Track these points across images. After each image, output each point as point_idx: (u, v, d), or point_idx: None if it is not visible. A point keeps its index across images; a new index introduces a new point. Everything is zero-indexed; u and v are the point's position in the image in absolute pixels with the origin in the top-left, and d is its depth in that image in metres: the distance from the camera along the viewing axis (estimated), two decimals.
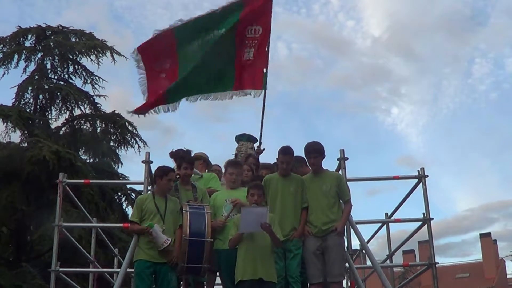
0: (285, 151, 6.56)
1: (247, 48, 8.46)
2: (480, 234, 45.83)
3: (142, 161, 7.18)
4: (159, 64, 8.46)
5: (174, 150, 7.19)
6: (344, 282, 7.25)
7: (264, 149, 8.00)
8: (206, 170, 7.71)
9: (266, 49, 8.41)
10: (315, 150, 6.56)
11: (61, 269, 7.20)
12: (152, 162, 7.15)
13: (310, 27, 79.02)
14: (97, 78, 20.77)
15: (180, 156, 6.95)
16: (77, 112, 20.30)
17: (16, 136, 18.70)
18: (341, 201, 6.57)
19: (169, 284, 6.06)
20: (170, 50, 8.38)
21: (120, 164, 21.26)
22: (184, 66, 8.34)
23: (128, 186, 19.57)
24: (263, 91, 8.28)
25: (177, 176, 6.69)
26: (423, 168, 7.38)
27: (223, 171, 7.32)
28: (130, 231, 6.36)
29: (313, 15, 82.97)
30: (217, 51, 8.37)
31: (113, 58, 20.25)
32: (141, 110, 8.28)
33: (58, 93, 19.73)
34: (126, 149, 20.69)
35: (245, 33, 8.42)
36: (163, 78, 8.43)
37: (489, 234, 45.44)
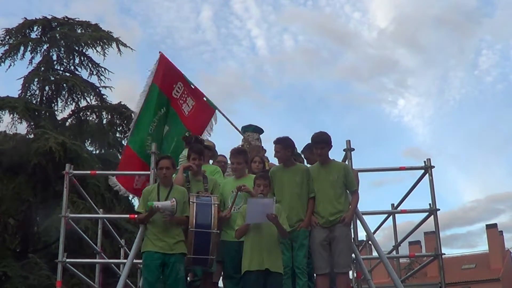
0: (275, 141, 6.58)
1: (184, 104, 8.92)
2: (486, 225, 45.96)
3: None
4: None
5: (187, 134, 7.25)
6: (350, 273, 7.24)
7: None
8: (210, 162, 7.68)
9: (193, 87, 9.05)
10: (322, 140, 6.53)
11: (67, 260, 7.20)
12: (158, 153, 7.14)
13: (317, 19, 78.83)
14: (103, 69, 20.78)
15: (190, 146, 6.93)
16: (83, 103, 20.35)
17: (22, 128, 18.75)
18: (348, 191, 6.55)
19: (177, 275, 6.03)
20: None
21: None
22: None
23: None
24: (216, 111, 9.03)
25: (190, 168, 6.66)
26: (429, 159, 7.31)
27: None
28: (139, 220, 6.35)
29: (319, 7, 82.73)
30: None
31: (119, 50, 20.29)
32: None
33: (64, 85, 19.71)
34: None
35: (174, 96, 8.84)
36: None
37: (495, 225, 45.51)
